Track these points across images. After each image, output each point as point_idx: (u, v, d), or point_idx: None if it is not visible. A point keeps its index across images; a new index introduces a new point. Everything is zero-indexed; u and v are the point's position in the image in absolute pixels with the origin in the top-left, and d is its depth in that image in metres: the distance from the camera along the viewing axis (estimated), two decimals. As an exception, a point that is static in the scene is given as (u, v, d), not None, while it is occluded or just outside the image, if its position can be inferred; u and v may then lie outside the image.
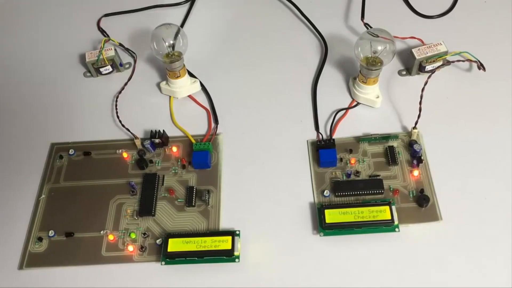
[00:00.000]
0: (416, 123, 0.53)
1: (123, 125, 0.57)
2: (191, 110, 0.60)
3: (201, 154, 0.53)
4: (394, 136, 0.54)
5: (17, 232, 0.51)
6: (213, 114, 0.59)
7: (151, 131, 0.55)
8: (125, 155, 0.55)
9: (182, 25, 0.69)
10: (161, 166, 0.54)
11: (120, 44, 0.66)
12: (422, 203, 0.49)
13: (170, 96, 0.61)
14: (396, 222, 0.47)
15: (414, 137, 0.53)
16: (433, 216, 0.48)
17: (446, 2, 0.68)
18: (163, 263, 0.47)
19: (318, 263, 0.47)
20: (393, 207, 0.48)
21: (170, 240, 0.47)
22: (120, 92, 0.61)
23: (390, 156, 0.52)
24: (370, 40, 0.53)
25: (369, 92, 0.56)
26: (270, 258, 0.48)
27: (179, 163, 0.54)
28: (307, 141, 0.55)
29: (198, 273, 0.47)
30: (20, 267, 0.49)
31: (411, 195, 0.50)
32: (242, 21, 0.69)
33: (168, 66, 0.57)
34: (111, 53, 0.62)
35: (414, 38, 0.62)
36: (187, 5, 0.72)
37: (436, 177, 0.51)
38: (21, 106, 0.62)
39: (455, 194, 0.50)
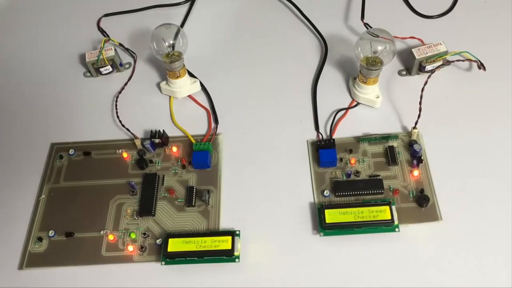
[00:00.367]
0: (416, 123, 0.53)
1: (123, 125, 0.57)
2: (191, 110, 0.60)
3: (201, 154, 0.53)
4: (394, 136, 0.54)
5: (17, 232, 0.51)
6: (213, 114, 0.59)
7: (151, 131, 0.55)
8: (125, 155, 0.55)
9: (182, 25, 0.69)
10: (161, 166, 0.54)
11: (120, 44, 0.66)
12: (422, 203, 0.49)
13: (170, 96, 0.61)
14: (396, 222, 0.47)
15: (414, 137, 0.53)
16: (433, 216, 0.48)
17: (446, 2, 0.68)
18: (163, 263, 0.47)
19: (318, 263, 0.47)
20: (393, 207, 0.48)
21: (170, 240, 0.47)
22: (120, 92, 0.61)
23: (390, 156, 0.52)
24: (370, 40, 0.53)
25: (369, 92, 0.56)
26: (270, 258, 0.48)
27: (179, 163, 0.54)
28: (307, 141, 0.55)
29: (198, 273, 0.47)
30: (20, 267, 0.49)
31: (411, 195, 0.50)
32: (242, 21, 0.69)
33: (168, 66, 0.57)
34: (111, 53, 0.62)
35: (414, 38, 0.62)
36: (187, 5, 0.72)
37: (436, 177, 0.51)
38: (21, 106, 0.62)
39: (455, 194, 0.50)
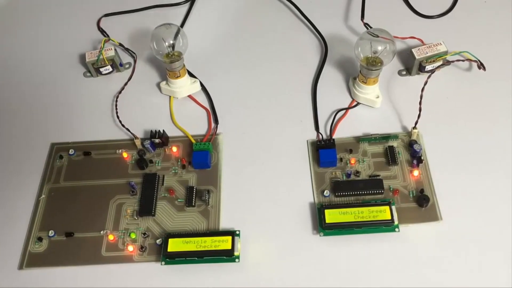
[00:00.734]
0: (416, 123, 0.53)
1: (123, 125, 0.57)
2: (191, 110, 0.60)
3: (201, 154, 0.53)
4: (394, 136, 0.54)
5: (17, 232, 0.51)
6: (213, 114, 0.59)
7: (151, 131, 0.55)
8: (125, 155, 0.55)
9: (182, 25, 0.69)
10: (161, 166, 0.54)
11: (120, 44, 0.66)
12: (422, 203, 0.49)
13: (170, 96, 0.61)
14: (396, 222, 0.47)
15: (414, 137, 0.53)
16: (433, 216, 0.48)
17: (446, 2, 0.68)
18: (163, 263, 0.47)
19: (318, 263, 0.47)
20: (393, 207, 0.48)
21: (170, 240, 0.47)
22: (120, 92, 0.61)
23: (390, 156, 0.52)
24: (370, 40, 0.53)
25: (369, 92, 0.56)
26: (270, 258, 0.48)
27: (179, 163, 0.54)
28: (307, 141, 0.55)
29: (198, 273, 0.47)
30: (20, 267, 0.49)
31: (411, 195, 0.50)
32: (242, 21, 0.69)
33: (168, 66, 0.57)
34: (111, 53, 0.62)
35: (414, 38, 0.62)
36: (187, 5, 0.72)
37: (436, 177, 0.51)
38: (21, 106, 0.62)
39: (455, 194, 0.50)
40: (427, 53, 0.58)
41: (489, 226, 0.47)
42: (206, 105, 0.60)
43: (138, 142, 0.56)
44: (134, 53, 0.65)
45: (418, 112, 0.52)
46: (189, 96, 0.60)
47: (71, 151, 0.56)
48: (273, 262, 0.47)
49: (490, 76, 0.58)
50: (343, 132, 0.55)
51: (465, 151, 0.53)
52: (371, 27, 0.61)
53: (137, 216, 0.51)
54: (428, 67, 0.58)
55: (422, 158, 0.52)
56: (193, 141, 0.55)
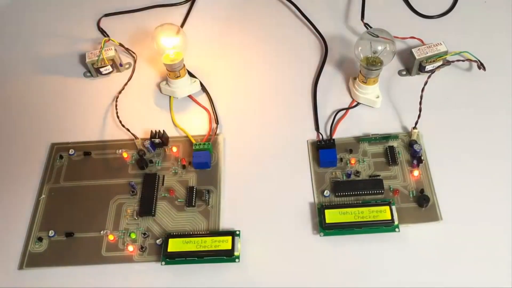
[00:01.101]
0: (416, 123, 0.53)
1: (123, 125, 0.57)
2: (191, 110, 0.60)
3: (201, 154, 0.53)
4: (394, 136, 0.54)
5: (17, 232, 0.51)
6: (213, 114, 0.59)
7: (151, 131, 0.55)
8: (125, 155, 0.55)
9: (182, 25, 0.69)
10: (161, 166, 0.54)
11: (120, 44, 0.66)
12: (422, 203, 0.49)
13: (170, 96, 0.61)
14: (396, 222, 0.47)
15: (414, 137, 0.53)
16: (433, 216, 0.48)
17: (446, 2, 0.68)
18: (163, 263, 0.47)
19: (318, 263, 0.47)
20: (393, 207, 0.48)
21: (170, 240, 0.47)
22: (120, 92, 0.61)
23: (390, 156, 0.52)
24: (370, 40, 0.53)
25: (369, 92, 0.56)
26: (270, 258, 0.48)
27: (179, 163, 0.54)
28: (307, 141, 0.55)
29: (198, 273, 0.47)
30: (20, 267, 0.49)
31: (411, 195, 0.50)
32: (242, 21, 0.69)
33: (168, 66, 0.57)
34: (111, 53, 0.62)
35: (414, 38, 0.62)
36: (187, 5, 0.72)
37: (436, 177, 0.51)
38: (21, 106, 0.62)
39: (455, 194, 0.50)
40: (427, 53, 0.58)
41: (489, 226, 0.47)
42: (206, 105, 0.60)
43: (138, 142, 0.56)
44: (134, 53, 0.65)
45: (418, 112, 0.52)
46: (189, 96, 0.60)
47: (71, 151, 0.56)
48: (273, 262, 0.47)
49: (490, 76, 0.58)
50: (343, 132, 0.55)
51: (465, 151, 0.53)
52: (371, 27, 0.61)
53: (137, 216, 0.51)
54: (428, 67, 0.58)
55: (422, 158, 0.52)
56: (193, 141, 0.55)
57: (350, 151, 0.53)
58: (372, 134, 0.54)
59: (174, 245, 0.47)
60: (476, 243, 0.47)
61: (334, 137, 0.54)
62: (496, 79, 0.58)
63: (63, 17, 0.73)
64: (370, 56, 0.53)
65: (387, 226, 0.47)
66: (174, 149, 0.55)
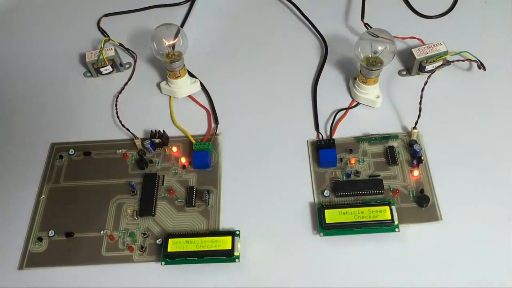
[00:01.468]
0: (416, 123, 0.53)
1: (123, 125, 0.57)
2: (191, 110, 0.60)
3: (201, 154, 0.53)
4: (394, 136, 0.54)
5: (17, 232, 0.51)
6: (213, 114, 0.59)
7: (151, 131, 0.55)
8: (125, 155, 0.55)
9: (182, 25, 0.69)
10: (161, 166, 0.54)
11: (120, 44, 0.66)
12: (422, 203, 0.49)
13: (170, 96, 0.61)
14: (396, 222, 0.47)
15: (414, 137, 0.53)
16: (433, 216, 0.48)
17: (446, 2, 0.68)
18: (163, 263, 0.47)
19: (318, 263, 0.47)
20: (393, 207, 0.47)
21: (170, 240, 0.47)
22: (120, 92, 0.61)
23: (390, 156, 0.52)
24: (370, 40, 0.53)
25: (369, 92, 0.56)
26: (270, 258, 0.48)
27: (179, 163, 0.54)
28: (307, 141, 0.55)
29: (198, 273, 0.47)
30: (20, 267, 0.49)
31: (411, 195, 0.50)
32: (242, 21, 0.69)
33: (168, 66, 0.57)
34: (111, 53, 0.62)
35: (414, 38, 0.62)
36: (187, 5, 0.72)
37: (436, 177, 0.51)
38: (21, 106, 0.62)
39: (455, 194, 0.50)
40: (427, 53, 0.58)
41: (489, 226, 0.47)
42: (206, 105, 0.60)
43: (138, 142, 0.56)
44: (134, 53, 0.65)
45: (418, 112, 0.52)
46: (189, 96, 0.60)
47: (71, 151, 0.56)
48: (273, 262, 0.47)
49: (490, 76, 0.58)
50: (343, 132, 0.55)
51: (465, 151, 0.53)
52: (371, 27, 0.61)
53: (137, 216, 0.51)
54: (428, 67, 0.58)
55: (422, 158, 0.52)
56: (193, 141, 0.55)
57: (350, 151, 0.53)
58: (372, 134, 0.54)
59: (174, 245, 0.47)
60: (476, 243, 0.47)
61: (334, 137, 0.54)
62: (496, 79, 0.58)
63: (63, 17, 0.73)
64: (370, 56, 0.53)
65: (387, 226, 0.47)
66: (174, 149, 0.55)
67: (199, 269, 0.47)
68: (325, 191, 0.51)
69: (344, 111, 0.57)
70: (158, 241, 0.49)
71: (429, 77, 0.53)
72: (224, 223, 0.50)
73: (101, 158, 0.56)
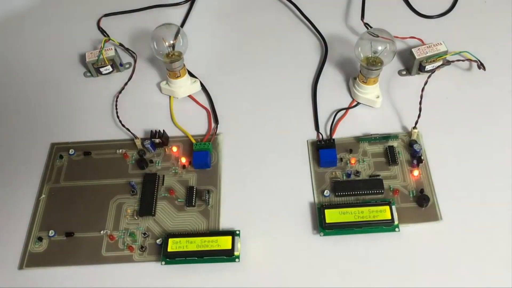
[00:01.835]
0: (416, 123, 0.53)
1: (123, 125, 0.57)
2: (191, 110, 0.60)
3: (201, 154, 0.53)
4: (394, 136, 0.54)
5: (17, 232, 0.51)
6: (213, 114, 0.59)
7: (151, 131, 0.55)
8: (125, 155, 0.55)
9: (182, 25, 0.69)
10: (161, 166, 0.54)
11: (120, 44, 0.66)
12: (422, 203, 0.49)
13: (170, 96, 0.61)
14: (396, 222, 0.47)
15: (414, 137, 0.53)
16: (433, 216, 0.48)
17: (446, 2, 0.68)
18: (163, 263, 0.47)
19: (318, 263, 0.47)
20: (393, 207, 0.48)
21: (170, 240, 0.47)
22: (120, 92, 0.61)
23: (390, 156, 0.52)
24: (370, 40, 0.53)
25: (369, 92, 0.56)
26: (270, 258, 0.48)
27: (179, 163, 0.54)
28: (307, 141, 0.55)
29: (198, 273, 0.47)
30: (20, 267, 0.49)
31: (411, 195, 0.50)
32: (242, 21, 0.69)
33: (168, 66, 0.57)
34: (111, 53, 0.62)
35: (414, 38, 0.62)
36: (187, 5, 0.72)
37: (436, 177, 0.51)
38: (21, 106, 0.62)
39: (455, 194, 0.50)
40: (427, 53, 0.58)
41: (489, 226, 0.47)
42: (206, 105, 0.60)
43: (138, 142, 0.56)
44: (134, 53, 0.65)
45: (418, 112, 0.52)
46: (189, 96, 0.60)
47: (71, 151, 0.56)
48: (273, 262, 0.47)
49: (490, 76, 0.58)
50: (343, 132, 0.55)
51: (465, 151, 0.53)
52: (371, 27, 0.61)
53: (137, 216, 0.51)
54: (428, 67, 0.58)
55: (422, 158, 0.52)
56: (193, 141, 0.55)
57: (350, 151, 0.53)
58: (372, 134, 0.54)
59: (174, 245, 0.47)
60: (476, 243, 0.47)
61: (334, 137, 0.54)
62: (496, 79, 0.58)
63: (63, 17, 0.73)
64: (370, 56, 0.53)
65: (387, 226, 0.47)
66: (174, 149, 0.55)
67: (199, 269, 0.47)
68: (325, 191, 0.51)
69: (344, 111, 0.57)
70: (158, 241, 0.49)
71: (429, 77, 0.53)
72: (224, 223, 0.50)
73: (101, 158, 0.56)
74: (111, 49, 0.62)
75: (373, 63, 0.53)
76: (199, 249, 0.46)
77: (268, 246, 0.48)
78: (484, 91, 0.57)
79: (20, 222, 0.52)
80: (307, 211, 0.50)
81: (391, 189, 0.50)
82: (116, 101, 0.60)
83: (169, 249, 0.47)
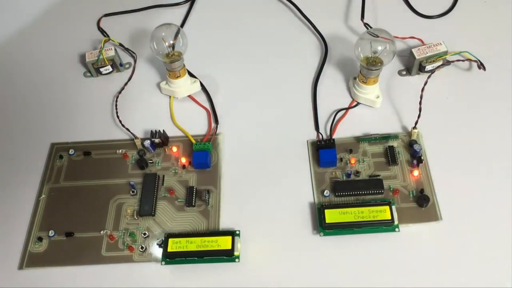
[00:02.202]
0: (416, 123, 0.53)
1: (123, 125, 0.57)
2: (191, 110, 0.60)
3: (201, 154, 0.53)
4: (394, 136, 0.54)
5: (17, 232, 0.51)
6: (213, 114, 0.59)
7: (151, 131, 0.55)
8: (125, 155, 0.55)
9: (182, 25, 0.69)
10: (161, 166, 0.54)
11: (120, 44, 0.66)
12: (422, 203, 0.49)
13: (170, 96, 0.61)
14: (396, 222, 0.47)
15: (414, 137, 0.53)
16: (433, 216, 0.48)
17: (446, 2, 0.68)
18: (163, 263, 0.47)
19: (318, 263, 0.47)
20: (393, 207, 0.48)
21: (170, 240, 0.47)
22: (120, 92, 0.61)
23: (390, 156, 0.52)
24: (370, 40, 0.53)
25: (369, 92, 0.56)
26: (270, 258, 0.48)
27: (179, 163, 0.54)
28: (307, 141, 0.55)
29: (198, 273, 0.47)
30: (20, 267, 0.49)
31: (411, 195, 0.50)
32: (242, 21, 0.69)
33: (168, 66, 0.57)
34: (111, 53, 0.62)
35: (414, 38, 0.62)
36: (187, 5, 0.72)
37: (436, 177, 0.51)
38: (21, 106, 0.62)
39: (455, 194, 0.50)
40: (427, 53, 0.58)
41: (489, 226, 0.47)
42: (206, 105, 0.60)
43: (138, 142, 0.56)
44: (134, 53, 0.65)
45: (418, 112, 0.52)
46: (189, 96, 0.60)
47: (71, 151, 0.56)
48: (273, 262, 0.47)
49: (490, 76, 0.58)
50: (343, 132, 0.55)
51: (465, 151, 0.53)
52: (371, 27, 0.61)
53: (137, 216, 0.51)
54: (428, 67, 0.58)
55: (422, 158, 0.52)
56: (193, 141, 0.55)
57: (350, 151, 0.53)
58: (372, 134, 0.54)
59: (174, 245, 0.47)
60: (476, 243, 0.47)
61: (334, 137, 0.54)
62: (496, 79, 0.58)
63: (63, 17, 0.73)
64: (370, 56, 0.53)
65: (387, 226, 0.47)
66: (174, 149, 0.55)
67: (199, 269, 0.47)
68: (325, 191, 0.51)
69: (344, 111, 0.57)
70: (158, 241, 0.49)
71: (429, 77, 0.53)
72: (224, 223, 0.50)
73: (101, 158, 0.56)
74: (111, 49, 0.62)
75: (373, 63, 0.53)
76: (199, 249, 0.46)
77: (268, 246, 0.48)
78: (484, 91, 0.57)
79: (20, 222, 0.52)
80: (307, 211, 0.50)
81: (391, 189, 0.50)
82: (116, 101, 0.60)
83: (169, 249, 0.47)
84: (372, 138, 0.54)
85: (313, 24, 0.67)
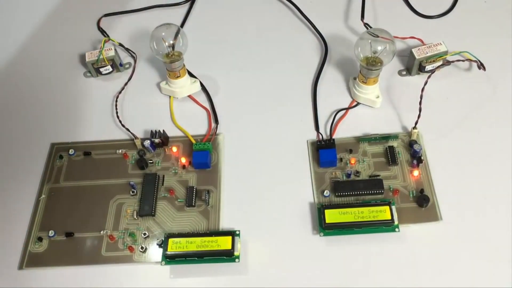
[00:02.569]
0: (416, 123, 0.53)
1: (123, 125, 0.57)
2: (191, 110, 0.60)
3: (201, 154, 0.53)
4: (394, 136, 0.54)
5: (17, 232, 0.51)
6: (213, 114, 0.59)
7: (151, 131, 0.55)
8: (125, 155, 0.55)
9: (182, 25, 0.69)
10: (161, 166, 0.54)
11: (120, 44, 0.66)
12: (422, 203, 0.49)
13: (170, 96, 0.61)
14: (396, 222, 0.47)
15: (414, 137, 0.53)
16: (433, 216, 0.48)
17: (446, 2, 0.68)
18: (163, 263, 0.47)
19: (318, 263, 0.47)
20: (393, 207, 0.47)
21: (170, 240, 0.47)
22: (120, 92, 0.61)
23: (390, 156, 0.52)
24: (370, 40, 0.53)
25: (369, 92, 0.56)
26: (270, 258, 0.48)
27: (179, 163, 0.54)
28: (307, 141, 0.55)
29: (198, 273, 0.47)
30: (20, 267, 0.49)
31: (411, 195, 0.50)
32: (242, 21, 0.69)
33: (168, 66, 0.57)
34: (111, 53, 0.62)
35: (414, 38, 0.62)
36: (187, 5, 0.72)
37: (436, 177, 0.51)
38: (21, 106, 0.62)
39: (455, 194, 0.50)
40: (427, 53, 0.58)
41: (489, 226, 0.47)
42: (206, 105, 0.60)
43: (138, 142, 0.56)
44: (134, 53, 0.65)
45: (418, 112, 0.52)
46: (189, 96, 0.60)
47: (71, 151, 0.56)
48: (273, 262, 0.47)
49: (490, 76, 0.58)
50: (343, 132, 0.55)
51: (465, 151, 0.53)
52: (371, 27, 0.61)
53: (137, 216, 0.51)
54: (428, 67, 0.58)
55: (422, 158, 0.52)
56: (193, 141, 0.55)
57: (350, 151, 0.53)
58: (372, 134, 0.54)
59: (174, 245, 0.47)
60: (476, 243, 0.47)
61: (334, 137, 0.54)
62: (496, 79, 0.58)
63: (63, 17, 0.73)
64: (370, 56, 0.53)
65: (387, 226, 0.47)
66: (174, 149, 0.55)
67: (199, 269, 0.47)
68: (325, 191, 0.51)
69: (344, 111, 0.57)
70: (158, 241, 0.49)
71: (429, 77, 0.53)
72: (224, 223, 0.50)
73: (101, 158, 0.56)
74: (111, 49, 0.62)
75: (373, 63, 0.53)
76: (199, 249, 0.46)
77: (268, 246, 0.48)
78: (484, 91, 0.57)
79: (20, 222, 0.52)
80: (307, 211, 0.50)
81: (391, 189, 0.50)
82: (116, 101, 0.60)
83: (169, 250, 0.47)
84: (372, 138, 0.54)
85: (313, 24, 0.67)
